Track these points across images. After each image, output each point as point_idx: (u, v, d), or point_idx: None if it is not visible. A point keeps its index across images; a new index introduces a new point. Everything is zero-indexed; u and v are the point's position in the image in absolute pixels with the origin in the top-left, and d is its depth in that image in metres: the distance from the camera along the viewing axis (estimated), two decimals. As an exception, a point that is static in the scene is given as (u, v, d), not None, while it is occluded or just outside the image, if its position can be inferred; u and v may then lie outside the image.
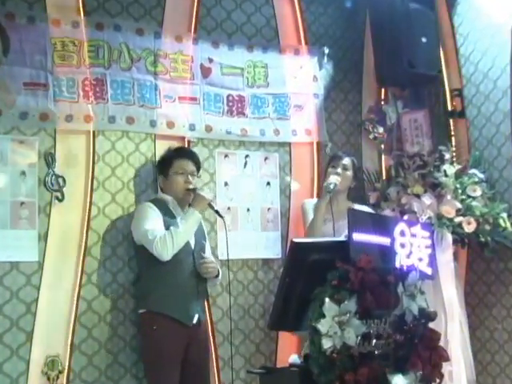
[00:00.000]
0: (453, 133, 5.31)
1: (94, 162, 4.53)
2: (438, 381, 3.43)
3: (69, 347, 4.31)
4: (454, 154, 5.17)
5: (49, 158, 4.38)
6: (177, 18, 4.90)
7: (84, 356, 4.38)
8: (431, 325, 3.45)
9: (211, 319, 4.75)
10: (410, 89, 5.44)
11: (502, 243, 4.81)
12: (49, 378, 4.22)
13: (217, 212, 4.46)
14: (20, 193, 4.30)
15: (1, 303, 4.20)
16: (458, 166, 4.99)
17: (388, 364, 3.21)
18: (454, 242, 4.81)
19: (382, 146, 5.54)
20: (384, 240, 3.49)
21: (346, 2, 5.50)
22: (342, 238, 4.44)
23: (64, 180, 4.40)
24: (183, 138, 4.84)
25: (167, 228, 4.18)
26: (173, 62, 4.82)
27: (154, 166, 4.64)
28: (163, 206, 4.32)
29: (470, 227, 4.76)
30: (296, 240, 3.44)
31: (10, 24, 4.28)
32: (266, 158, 5.16)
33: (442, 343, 3.53)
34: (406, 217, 4.77)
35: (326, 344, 3.09)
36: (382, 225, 3.61)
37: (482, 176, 4.97)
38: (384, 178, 5.45)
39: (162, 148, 4.66)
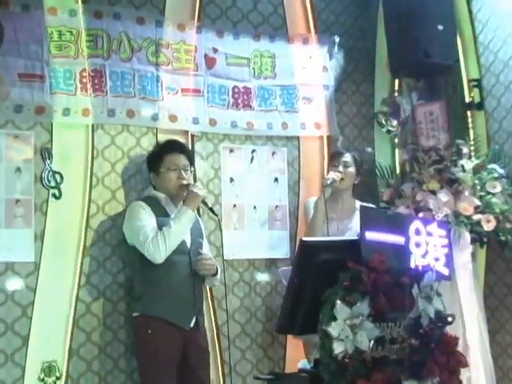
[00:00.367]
0: (471, 125, 5.29)
1: (92, 158, 4.53)
2: (455, 388, 3.41)
3: (67, 352, 4.31)
4: (472, 147, 5.14)
5: (45, 154, 4.38)
6: (179, 6, 4.89)
7: (82, 361, 4.38)
8: (448, 328, 3.42)
9: (216, 322, 4.74)
10: (426, 79, 5.43)
11: (523, 242, 4.79)
12: (46, 385, 4.22)
13: (211, 209, 4.44)
14: (15, 190, 4.30)
15: (-5, 306, 4.21)
16: (476, 161, 4.98)
17: (403, 370, 3.18)
18: (473, 240, 4.80)
19: (396, 140, 5.55)
20: (398, 239, 3.46)
21: (358, -12, 5.51)
22: (354, 236, 4.51)
23: (61, 176, 4.40)
24: (186, 132, 4.85)
25: (161, 228, 4.16)
26: (175, 52, 4.82)
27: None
28: (156, 204, 4.30)
29: (489, 225, 4.74)
30: (305, 239, 3.43)
31: (4, 12, 4.28)
32: (273, 153, 5.16)
33: (460, 348, 3.51)
34: (421, 214, 4.76)
35: (338, 348, 3.06)
36: (395, 223, 3.57)
37: (501, 171, 4.94)
38: (398, 173, 5.45)
39: (164, 142, 4.64)
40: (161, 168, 4.34)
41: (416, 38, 4.99)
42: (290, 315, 3.32)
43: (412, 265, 3.44)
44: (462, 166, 4.92)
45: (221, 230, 4.54)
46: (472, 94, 5.30)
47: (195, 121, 4.85)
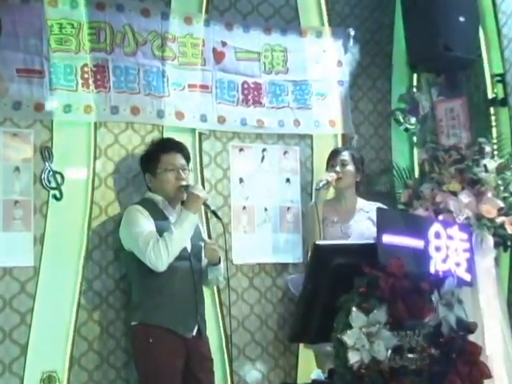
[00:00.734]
0: (494, 123, 5.29)
1: (95, 157, 4.53)
2: (478, 400, 3.39)
3: (67, 362, 4.30)
4: (496, 146, 5.14)
5: (45, 153, 4.37)
6: (186, -3, 4.89)
7: (84, 371, 4.38)
8: (470, 337, 3.40)
9: (224, 330, 4.74)
10: (446, 74, 5.44)
11: (549, 246, 4.78)
12: (45, 396, 4.22)
13: (213, 212, 4.42)
14: (13, 191, 4.29)
15: (-8, 313, 4.21)
16: (499, 161, 4.99)
17: (422, 381, 3.17)
18: (496, 244, 4.80)
19: (415, 139, 5.57)
20: (417, 243, 3.44)
21: (374, -22, 5.50)
22: (359, 238, 4.51)
23: (62, 177, 4.40)
24: (193, 130, 4.84)
25: (160, 232, 4.13)
26: (182, 46, 4.82)
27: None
28: (153, 207, 4.27)
29: (513, 228, 4.74)
30: (319, 242, 3.45)
31: (2, 4, 4.27)
32: (285, 152, 5.15)
33: (482, 358, 3.48)
34: (441, 217, 4.77)
35: (353, 358, 3.05)
36: (414, 226, 3.57)
37: (526, 171, 4.94)
38: (416, 174, 5.46)
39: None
40: (158, 169, 4.29)
41: (436, 31, 4.99)
42: (302, 323, 3.32)
43: (432, 270, 3.43)
44: (485, 166, 4.93)
45: (225, 233, 4.49)
46: (495, 90, 5.31)
47: (203, 118, 4.84)
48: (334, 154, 4.92)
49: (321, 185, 4.68)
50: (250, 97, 5.03)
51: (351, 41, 5.36)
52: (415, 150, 5.56)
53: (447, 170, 5.01)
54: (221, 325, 4.74)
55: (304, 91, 5.21)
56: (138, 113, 4.62)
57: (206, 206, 4.37)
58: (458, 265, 3.63)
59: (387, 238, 3.30)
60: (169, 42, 4.75)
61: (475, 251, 4.49)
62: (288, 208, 5.05)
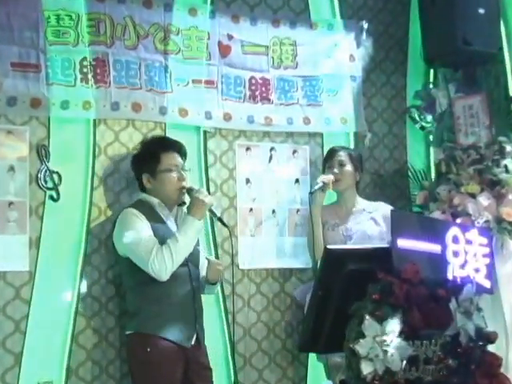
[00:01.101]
0: (515, 121, 5.27)
1: (94, 156, 4.53)
2: (498, 413, 3.37)
3: (64, 372, 4.30)
4: (517, 145, 5.12)
5: (42, 151, 4.38)
6: (191, -12, 4.89)
7: (82, 382, 4.38)
8: (490, 348, 3.39)
9: (230, 339, 4.72)
10: (465, 69, 5.43)
11: None
12: (41, 408, 4.23)
13: (220, 220, 4.41)
14: (8, 191, 4.30)
15: (-15, 320, 4.22)
16: (521, 161, 4.96)
17: (439, 393, 3.17)
18: (517, 249, 4.78)
19: (431, 138, 5.57)
20: (434, 247, 3.43)
21: (389, -32, 5.51)
22: (362, 240, 4.52)
23: (59, 176, 4.40)
24: (198, 128, 4.84)
25: (158, 237, 4.11)
26: (186, 39, 4.82)
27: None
28: (149, 210, 4.23)
29: (535, 232, 4.73)
30: (330, 247, 3.43)
31: (-4, -6, 4.30)
32: (294, 151, 5.16)
33: (503, 369, 3.47)
34: (459, 220, 4.77)
35: (366, 369, 3.04)
36: (431, 229, 3.55)
37: (550, 172, 4.93)
38: (433, 174, 5.47)
39: (173, 139, 4.64)
40: (158, 169, 4.26)
41: (454, 23, 4.99)
42: (312, 331, 3.30)
43: (449, 276, 3.41)
44: (506, 166, 4.92)
45: (231, 237, 4.51)
46: (517, 86, 5.28)
47: (208, 115, 4.84)
48: (330, 154, 4.91)
49: (316, 187, 4.69)
50: (257, 93, 5.03)
51: (364, 34, 5.36)
52: (431, 150, 5.56)
53: (465, 170, 5.00)
54: (226, 333, 4.73)
55: (314, 87, 5.21)
56: (139, 109, 4.62)
57: (212, 212, 4.34)
58: (477, 271, 3.62)
59: (402, 242, 3.28)
60: (172, 34, 4.75)
61: (495, 256, 4.46)
62: (297, 210, 5.05)
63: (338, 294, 3.22)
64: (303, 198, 5.08)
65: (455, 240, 3.52)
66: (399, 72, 5.60)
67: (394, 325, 3.07)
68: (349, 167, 4.83)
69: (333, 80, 5.25)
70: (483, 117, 5.16)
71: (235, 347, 4.73)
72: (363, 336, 3.04)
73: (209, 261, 4.39)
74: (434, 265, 3.38)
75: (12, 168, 4.30)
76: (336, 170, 4.79)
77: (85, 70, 4.48)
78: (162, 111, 4.68)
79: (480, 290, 3.54)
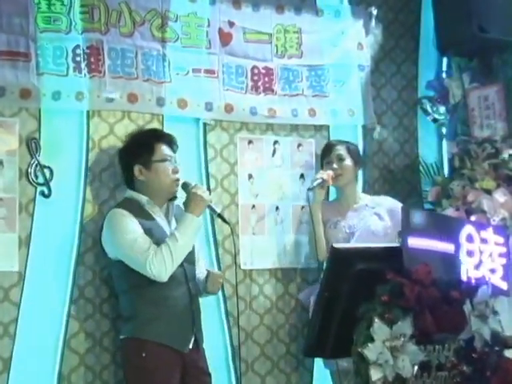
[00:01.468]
0: (534, 113, 5.27)
1: (87, 150, 4.53)
2: (515, 423, 3.37)
3: (56, 378, 4.30)
4: (535, 139, 5.13)
5: (32, 145, 4.37)
6: (190, -29, 4.89)
7: (75, 388, 4.39)
8: (507, 353, 3.38)
9: (231, 343, 4.75)
10: (480, 58, 5.45)
11: None
12: (31, 416, 4.23)
13: (220, 216, 4.41)
14: (-4, 187, 4.30)
15: (-28, 323, 4.22)
16: (539, 155, 4.96)
17: (452, 401, 3.16)
18: (535, 249, 4.76)
19: (444, 131, 5.57)
20: (446, 246, 3.43)
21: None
22: (366, 237, 4.54)
23: (51, 171, 4.39)
24: (197, 120, 4.84)
25: (149, 236, 4.09)
26: (185, 27, 4.81)
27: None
28: (138, 208, 4.21)
29: (554, 230, 4.71)
30: (337, 245, 3.42)
31: (-18, -22, 4.30)
32: (299, 145, 5.16)
33: (520, 375, 3.48)
34: (473, 218, 4.76)
35: (375, 375, 3.04)
36: (443, 227, 3.56)
37: None
38: (446, 169, 5.48)
39: (172, 132, 4.61)
40: (152, 158, 4.24)
41: (469, 9, 4.99)
42: (318, 335, 3.30)
43: (463, 277, 3.42)
44: (523, 161, 4.91)
45: (233, 236, 4.49)
46: (536, 76, 5.29)
47: (208, 107, 4.84)
48: (328, 149, 4.95)
49: (315, 184, 4.72)
50: (260, 83, 5.03)
51: (373, 21, 5.37)
52: (444, 143, 5.58)
53: (480, 165, 5.00)
54: (227, 337, 4.75)
55: (320, 77, 5.21)
56: (135, 100, 4.62)
57: (211, 209, 4.34)
58: (492, 271, 3.62)
59: (413, 241, 3.29)
60: (170, 21, 4.74)
61: (512, 256, 4.47)
62: (302, 207, 5.04)
63: (345, 295, 3.22)
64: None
65: (469, 239, 3.52)
66: (410, 61, 5.60)
67: (404, 328, 3.07)
68: (348, 161, 4.86)
69: (340, 70, 5.25)
70: (499, 108, 5.17)
71: (237, 352, 4.72)
72: (372, 340, 3.05)
73: (209, 272, 4.37)
74: (446, 265, 3.39)
75: (0, 162, 4.29)
76: (335, 165, 4.82)
77: (78, 58, 4.46)
78: (160, 102, 4.68)
79: (496, 291, 3.52)
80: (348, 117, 5.26)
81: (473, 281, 3.40)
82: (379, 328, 3.06)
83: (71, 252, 4.40)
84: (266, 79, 5.04)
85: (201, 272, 4.38)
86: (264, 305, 4.92)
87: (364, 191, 5.13)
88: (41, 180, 4.35)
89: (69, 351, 4.35)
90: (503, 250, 3.71)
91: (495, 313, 3.35)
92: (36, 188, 4.35)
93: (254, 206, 4.95)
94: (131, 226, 4.11)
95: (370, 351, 3.04)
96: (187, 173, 4.46)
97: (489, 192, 4.88)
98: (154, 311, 4.12)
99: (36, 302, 4.29)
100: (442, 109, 5.45)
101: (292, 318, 4.98)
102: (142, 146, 4.29)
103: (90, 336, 4.42)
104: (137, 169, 4.27)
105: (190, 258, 4.25)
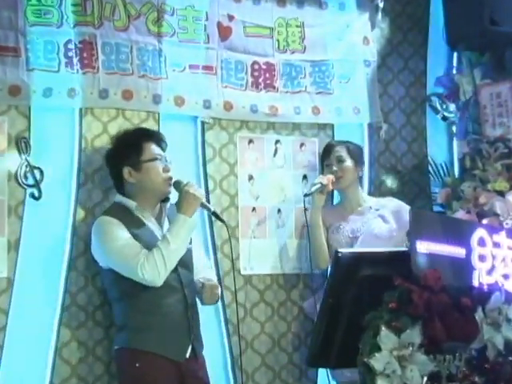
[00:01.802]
0: (549, 111, 5.27)
1: (80, 150, 4.52)
2: None
3: (46, 389, 4.31)
4: (550, 138, 5.12)
5: (21, 144, 4.36)
6: (187, -38, 4.90)
7: (66, 400, 4.38)
8: (521, 363, 3.39)
9: (231, 352, 4.75)
10: (492, 53, 5.44)
11: None
12: (21, 429, 4.23)
13: (214, 214, 4.40)
14: (-17, 189, 4.30)
15: (-41, 331, 4.22)
16: (554, 155, 4.96)
17: (463, 414, 3.16)
18: (550, 253, 4.76)
19: (454, 129, 5.56)
20: (457, 251, 3.45)
21: None
22: (368, 240, 4.55)
23: (41, 172, 4.38)
24: (195, 118, 4.84)
25: (140, 242, 4.08)
26: (182, 21, 4.81)
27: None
28: (127, 214, 4.21)
29: None
30: (342, 250, 3.42)
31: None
32: (301, 145, 5.17)
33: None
34: (485, 221, 4.78)
35: (382, 386, 3.04)
36: (454, 231, 3.57)
37: None
38: (456, 170, 5.49)
39: (168, 130, 4.65)
40: (141, 158, 4.23)
41: (480, 1, 4.98)
42: (322, 344, 3.31)
43: (475, 283, 3.43)
44: (537, 161, 4.92)
45: (230, 238, 4.48)
46: (551, 71, 5.29)
47: (206, 104, 4.84)
48: (327, 150, 4.98)
49: (313, 189, 4.75)
50: (260, 80, 5.03)
51: (379, 14, 5.38)
52: (455, 143, 5.59)
53: (492, 165, 5.01)
54: (226, 346, 4.74)
55: (324, 73, 5.21)
56: (130, 97, 4.61)
57: (205, 206, 4.31)
58: (506, 277, 3.63)
59: (422, 246, 3.29)
60: (166, 15, 4.73)
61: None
62: (305, 209, 5.01)
63: (350, 302, 3.24)
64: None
65: (481, 243, 3.54)
66: (418, 56, 5.61)
67: (413, 337, 3.09)
68: (348, 163, 4.88)
69: (345, 65, 5.26)
70: (512, 106, 5.17)
71: (236, 361, 4.72)
72: (379, 349, 3.06)
73: (203, 285, 4.30)
74: (457, 270, 3.40)
75: (-12, 163, 4.31)
76: (335, 168, 4.83)
77: (70, 53, 4.45)
78: (156, 99, 4.67)
79: (509, 298, 3.52)
80: (353, 115, 5.27)
81: (485, 287, 3.41)
82: (386, 337, 3.07)
83: (62, 257, 4.39)
84: (267, 75, 5.04)
85: (203, 277, 4.35)
86: (265, 312, 4.92)
87: (370, 193, 5.14)
88: (31, 181, 4.34)
89: (60, 361, 4.34)
90: (517, 254, 3.73)
91: (509, 320, 3.37)
92: (26, 190, 4.34)
93: (254, 209, 4.95)
94: (119, 233, 4.11)
95: (377, 361, 3.05)
96: (184, 173, 4.45)
97: (501, 194, 4.89)
98: (146, 320, 4.12)
99: (25, 309, 4.28)
100: (452, 106, 5.47)
101: (294, 326, 4.98)
102: (130, 147, 4.28)
103: (83, 345, 4.41)
104: (126, 171, 4.25)
105: (185, 263, 4.24)
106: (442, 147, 5.59)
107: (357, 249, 4.50)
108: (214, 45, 4.89)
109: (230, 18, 4.95)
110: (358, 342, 3.14)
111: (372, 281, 3.23)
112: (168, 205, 4.32)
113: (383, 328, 3.08)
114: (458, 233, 3.52)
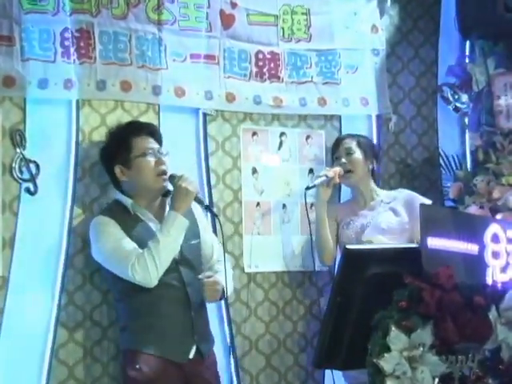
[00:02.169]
0: None
1: (77, 143, 4.52)
2: None
3: (43, 391, 4.31)
4: None
5: (16, 137, 4.36)
6: None
7: (63, 403, 4.40)
8: (537, 364, 3.39)
9: (234, 353, 4.75)
10: (506, 41, 5.42)
11: None
12: (16, 433, 4.24)
13: (207, 208, 4.39)
14: (-23, 184, 4.31)
15: (-48, 332, 4.22)
16: None
17: (476, 417, 3.16)
18: None
19: (466, 121, 5.54)
20: (470, 247, 3.43)
21: None
22: (377, 231, 4.56)
23: (37, 166, 4.39)
24: (197, 110, 4.85)
25: (140, 241, 4.09)
26: (183, 8, 4.81)
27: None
28: (123, 213, 4.22)
29: None
30: (350, 247, 3.41)
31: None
32: (307, 137, 5.17)
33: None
34: (499, 216, 4.78)
35: (392, 388, 3.04)
36: (466, 227, 3.55)
37: None
38: (469, 163, 5.46)
39: (169, 123, 4.67)
40: (131, 155, 4.23)
41: (494, -13, 4.97)
42: (329, 344, 3.29)
43: (488, 281, 3.42)
44: (553, 154, 4.92)
45: (222, 233, 4.45)
46: None
47: (208, 95, 4.84)
48: (337, 143, 4.98)
49: (316, 182, 4.74)
50: (265, 70, 5.04)
51: (388, 1, 5.38)
52: (467, 135, 5.56)
53: (506, 158, 5.02)
54: (230, 346, 4.73)
55: (331, 63, 5.22)
56: (129, 89, 4.62)
57: (198, 200, 4.28)
58: (520, 275, 3.62)
59: (433, 242, 3.28)
60: (167, 2, 4.73)
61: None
62: (311, 205, 5.01)
63: (359, 301, 3.22)
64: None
65: (495, 239, 3.52)
66: (429, 44, 5.61)
67: (424, 337, 3.08)
68: (358, 154, 4.86)
69: (352, 54, 5.27)
70: (527, 96, 5.18)
71: (240, 362, 4.74)
72: (388, 350, 3.05)
73: (203, 282, 4.29)
74: (470, 268, 3.38)
75: (-18, 157, 4.31)
76: (344, 160, 4.81)
77: (66, 42, 4.45)
78: (156, 91, 4.68)
79: (524, 296, 3.53)
80: (361, 106, 5.27)
81: (499, 285, 3.38)
82: (396, 337, 3.06)
83: (59, 254, 4.40)
84: (272, 65, 5.04)
85: (204, 274, 4.34)
86: (270, 311, 4.93)
87: (378, 187, 5.12)
88: (26, 176, 4.35)
89: (57, 362, 4.35)
90: (532, 251, 3.72)
91: (524, 320, 3.36)
92: (21, 184, 4.34)
93: (258, 204, 4.95)
94: (112, 233, 4.12)
95: (387, 362, 3.04)
96: (186, 168, 4.46)
97: (516, 188, 4.88)
98: (145, 321, 4.13)
99: (21, 308, 4.29)
100: (465, 97, 5.45)
101: (300, 325, 4.99)
102: (119, 144, 4.28)
103: (80, 346, 4.42)
104: (118, 170, 4.26)
105: (188, 261, 4.24)
106: (453, 139, 5.58)
107: (366, 245, 4.48)
108: (216, 33, 4.89)
109: (233, 5, 4.95)
110: (366, 342, 3.12)
111: (381, 278, 3.20)
112: (169, 199, 4.31)
113: (393, 328, 3.07)
114: (471, 229, 3.50)
